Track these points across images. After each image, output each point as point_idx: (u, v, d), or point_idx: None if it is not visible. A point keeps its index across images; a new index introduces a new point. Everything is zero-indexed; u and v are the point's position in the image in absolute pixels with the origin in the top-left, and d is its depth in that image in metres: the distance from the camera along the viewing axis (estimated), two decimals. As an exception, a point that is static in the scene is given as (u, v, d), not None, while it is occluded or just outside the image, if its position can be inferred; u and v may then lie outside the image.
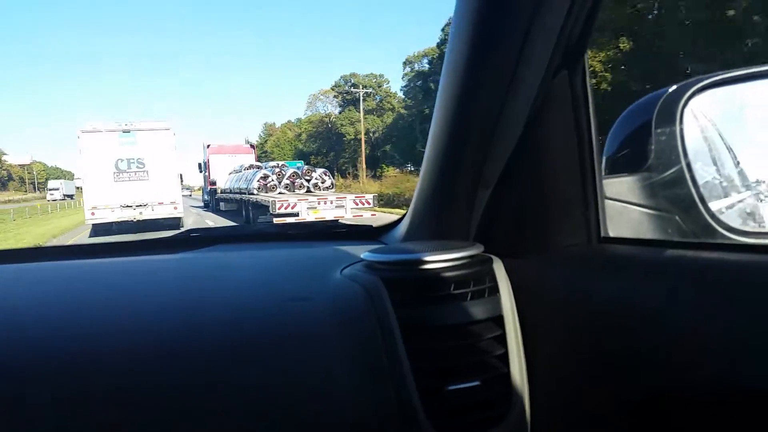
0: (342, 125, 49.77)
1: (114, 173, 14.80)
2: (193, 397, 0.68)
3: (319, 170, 16.15)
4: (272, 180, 15.05)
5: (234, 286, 0.87)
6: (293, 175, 15.38)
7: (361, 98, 45.25)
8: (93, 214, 14.61)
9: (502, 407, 0.77)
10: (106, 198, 14.57)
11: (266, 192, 14.80)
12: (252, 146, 28.74)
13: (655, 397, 0.69)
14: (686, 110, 0.93)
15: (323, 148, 53.21)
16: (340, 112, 52.90)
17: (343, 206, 12.32)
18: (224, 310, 0.78)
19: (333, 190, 15.82)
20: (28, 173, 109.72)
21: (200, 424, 0.67)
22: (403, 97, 44.51)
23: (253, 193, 14.96)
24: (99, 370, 0.68)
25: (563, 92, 0.81)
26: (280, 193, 14.80)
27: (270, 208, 12.28)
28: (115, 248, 1.18)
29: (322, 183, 15.45)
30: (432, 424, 0.73)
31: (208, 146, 26.63)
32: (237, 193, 17.40)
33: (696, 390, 0.64)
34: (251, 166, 19.70)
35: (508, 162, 0.84)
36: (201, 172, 29.13)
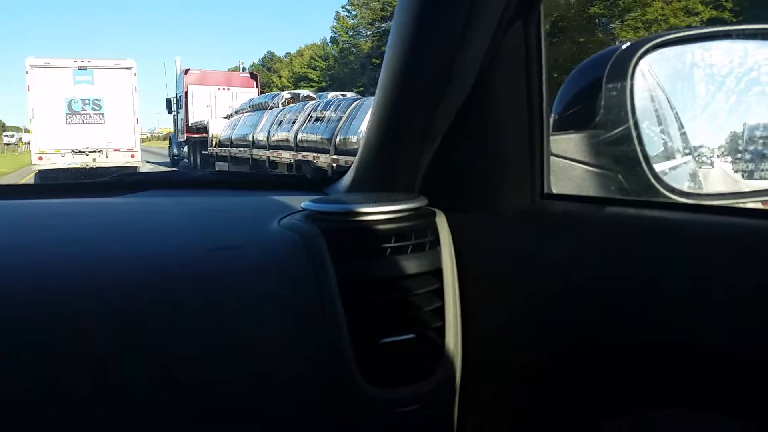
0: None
1: (66, 114, 13.80)
2: (112, 353, 0.64)
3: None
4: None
5: (161, 233, 0.83)
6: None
7: None
8: (41, 158, 13.56)
9: (434, 360, 0.77)
10: (57, 141, 13.57)
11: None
12: (253, 75, 19.81)
13: (587, 354, 0.70)
14: (638, 68, 0.92)
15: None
16: None
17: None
18: (146, 259, 0.74)
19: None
20: None
21: (124, 380, 0.64)
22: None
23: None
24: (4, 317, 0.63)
25: (516, 44, 0.79)
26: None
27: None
28: (41, 190, 1.12)
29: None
30: (363, 376, 0.72)
31: (186, 72, 17.89)
32: (277, 147, 9.85)
33: (631, 345, 0.65)
34: (308, 96, 12.11)
35: (456, 115, 0.82)
36: (171, 112, 20.04)
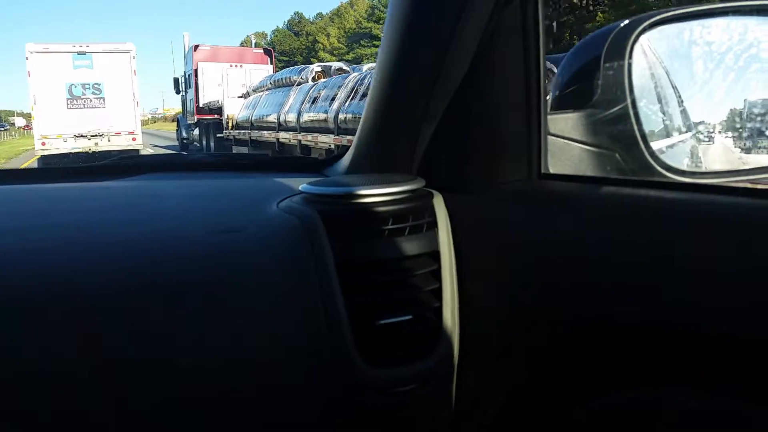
0: None
1: (67, 99, 13.81)
2: (111, 335, 0.65)
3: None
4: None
5: (160, 216, 0.84)
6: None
7: None
8: (44, 144, 13.61)
9: (432, 341, 0.78)
10: (59, 126, 13.57)
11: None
12: (267, 51, 18.24)
13: (582, 331, 0.71)
14: (636, 46, 0.91)
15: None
16: None
17: None
18: (150, 242, 0.75)
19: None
20: None
21: (122, 363, 0.65)
22: None
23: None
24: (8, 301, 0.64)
25: (514, 23, 0.79)
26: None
27: None
28: (39, 174, 1.12)
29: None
30: (362, 357, 0.73)
31: (195, 48, 16.62)
32: (311, 129, 8.40)
33: (627, 323, 0.66)
34: (341, 69, 10.61)
35: (453, 96, 0.82)
36: (179, 92, 18.72)
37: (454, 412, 0.82)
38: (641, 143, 0.89)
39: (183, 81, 18.20)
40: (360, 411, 0.75)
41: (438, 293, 0.79)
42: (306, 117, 8.68)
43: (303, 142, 8.73)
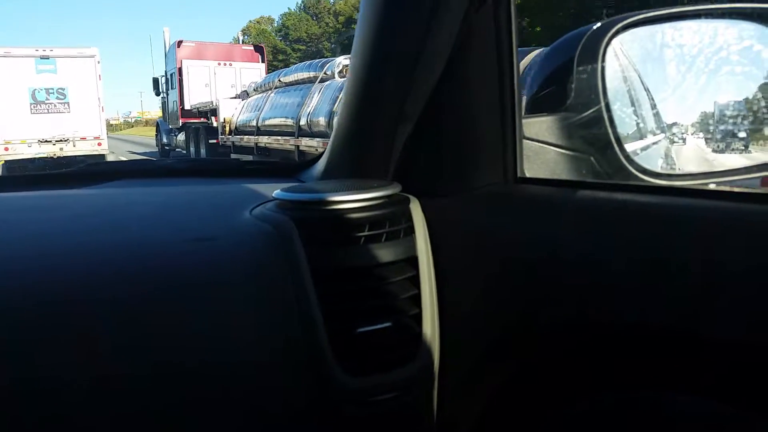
0: None
1: (31, 104, 13.63)
2: (83, 349, 0.63)
3: None
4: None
5: (130, 224, 0.81)
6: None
7: None
8: (7, 149, 13.41)
9: (412, 348, 0.77)
10: (22, 131, 13.40)
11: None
12: (258, 48, 16.47)
13: (562, 333, 0.70)
14: (609, 49, 0.92)
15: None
16: None
17: None
18: (120, 251, 0.73)
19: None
20: None
21: (92, 378, 0.63)
22: None
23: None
24: None
25: (487, 26, 0.78)
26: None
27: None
28: (5, 183, 1.09)
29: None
30: (341, 366, 0.72)
31: (179, 45, 14.88)
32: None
33: (603, 325, 0.66)
34: None
35: (428, 100, 0.81)
36: (159, 94, 16.99)
37: (436, 418, 0.81)
38: (616, 146, 0.90)
39: (164, 81, 16.52)
40: (340, 421, 0.74)
41: (417, 300, 0.78)
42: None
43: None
